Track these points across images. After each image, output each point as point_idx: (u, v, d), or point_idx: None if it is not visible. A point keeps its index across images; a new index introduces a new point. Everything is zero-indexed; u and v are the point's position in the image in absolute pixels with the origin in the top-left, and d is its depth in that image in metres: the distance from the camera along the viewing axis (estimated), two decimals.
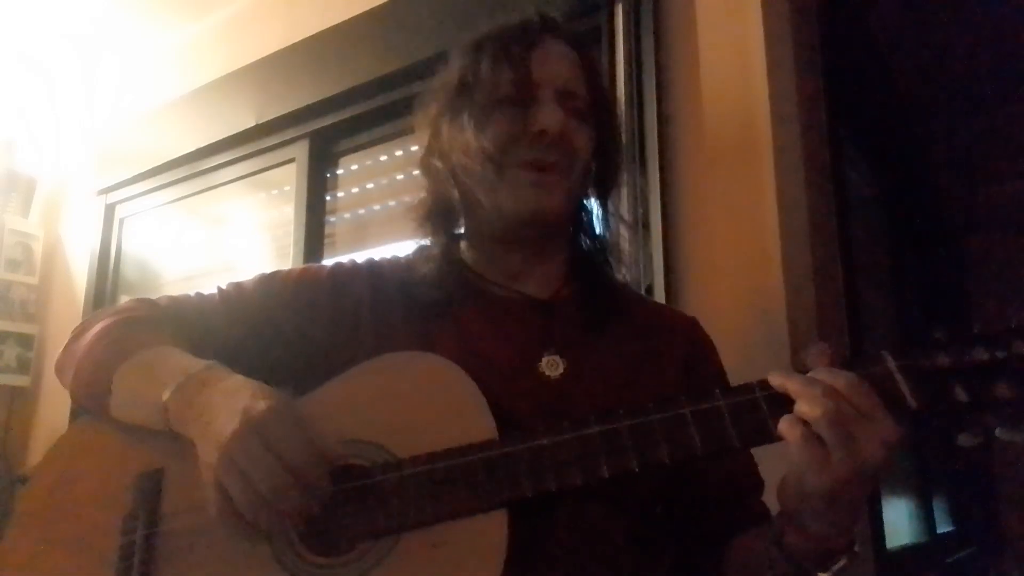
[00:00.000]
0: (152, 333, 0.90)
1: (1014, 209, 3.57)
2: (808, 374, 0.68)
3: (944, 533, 2.94)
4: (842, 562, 0.73)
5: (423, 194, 1.00)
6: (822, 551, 0.73)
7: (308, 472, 0.72)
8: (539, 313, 0.93)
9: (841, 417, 0.64)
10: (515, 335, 0.91)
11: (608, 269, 1.01)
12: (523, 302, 0.94)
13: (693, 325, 1.02)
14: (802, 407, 0.66)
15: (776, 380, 0.69)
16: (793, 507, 0.71)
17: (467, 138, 0.90)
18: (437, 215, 0.98)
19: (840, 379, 0.66)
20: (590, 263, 1.00)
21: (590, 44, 1.06)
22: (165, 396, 0.80)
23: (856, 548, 0.74)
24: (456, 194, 0.95)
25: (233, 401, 0.75)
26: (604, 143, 0.97)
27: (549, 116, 0.88)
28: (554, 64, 0.92)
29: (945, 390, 0.67)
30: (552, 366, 0.88)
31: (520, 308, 0.93)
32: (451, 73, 0.96)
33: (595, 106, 0.95)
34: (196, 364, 0.83)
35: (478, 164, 0.90)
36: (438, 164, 0.96)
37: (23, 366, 2.63)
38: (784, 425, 0.67)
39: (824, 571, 0.74)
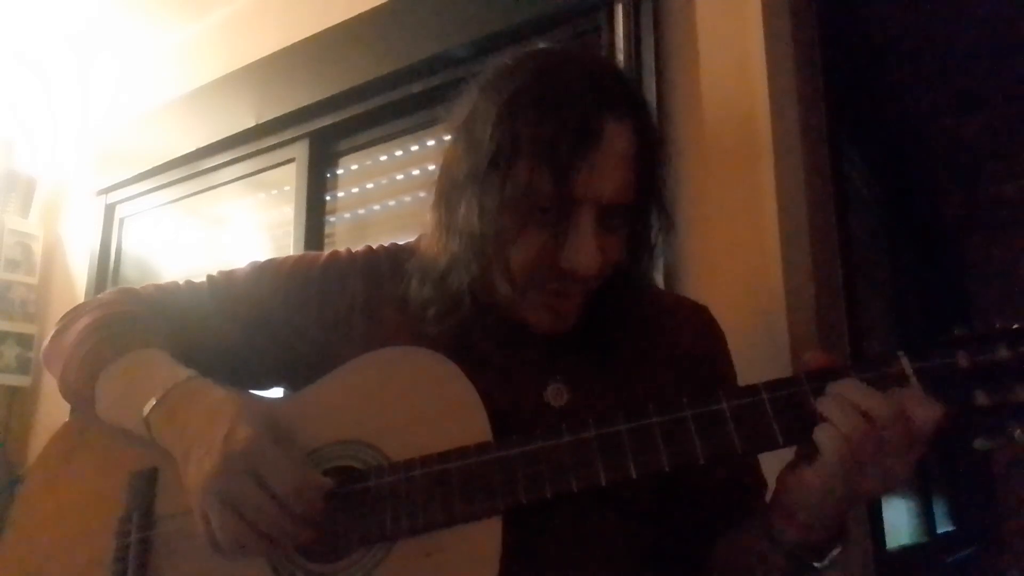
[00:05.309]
0: (138, 331, 0.89)
1: (1014, 209, 3.57)
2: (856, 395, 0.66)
3: (944, 533, 2.94)
4: (838, 549, 0.73)
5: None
6: (817, 542, 0.72)
7: (298, 500, 0.71)
8: (544, 337, 0.86)
9: (885, 445, 0.64)
10: (519, 356, 0.86)
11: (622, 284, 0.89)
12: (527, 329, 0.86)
13: (700, 314, 0.97)
14: (849, 434, 0.64)
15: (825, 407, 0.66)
16: (811, 501, 0.69)
17: (486, 231, 0.77)
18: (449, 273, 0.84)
19: (885, 408, 0.64)
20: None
21: (649, 115, 0.83)
22: (146, 410, 0.80)
23: (848, 531, 0.73)
24: (471, 267, 0.81)
25: (214, 426, 0.74)
26: (640, 236, 0.84)
27: (583, 257, 0.76)
28: (605, 174, 0.76)
29: (964, 394, 0.64)
30: (557, 395, 0.84)
31: (525, 332, 0.86)
32: (485, 126, 0.77)
33: (639, 203, 0.81)
34: (176, 375, 0.81)
35: (498, 273, 0.79)
36: (455, 240, 0.82)
37: (23, 366, 2.62)
38: (824, 437, 0.65)
39: (819, 560, 0.73)
